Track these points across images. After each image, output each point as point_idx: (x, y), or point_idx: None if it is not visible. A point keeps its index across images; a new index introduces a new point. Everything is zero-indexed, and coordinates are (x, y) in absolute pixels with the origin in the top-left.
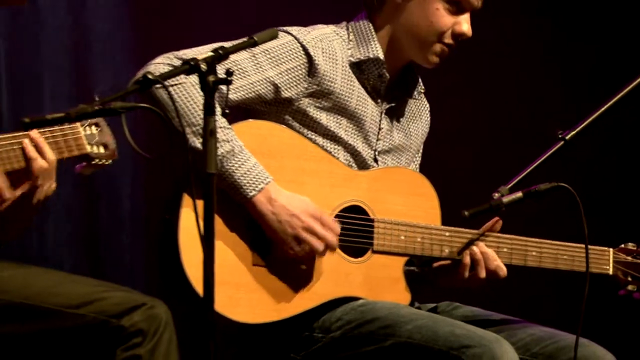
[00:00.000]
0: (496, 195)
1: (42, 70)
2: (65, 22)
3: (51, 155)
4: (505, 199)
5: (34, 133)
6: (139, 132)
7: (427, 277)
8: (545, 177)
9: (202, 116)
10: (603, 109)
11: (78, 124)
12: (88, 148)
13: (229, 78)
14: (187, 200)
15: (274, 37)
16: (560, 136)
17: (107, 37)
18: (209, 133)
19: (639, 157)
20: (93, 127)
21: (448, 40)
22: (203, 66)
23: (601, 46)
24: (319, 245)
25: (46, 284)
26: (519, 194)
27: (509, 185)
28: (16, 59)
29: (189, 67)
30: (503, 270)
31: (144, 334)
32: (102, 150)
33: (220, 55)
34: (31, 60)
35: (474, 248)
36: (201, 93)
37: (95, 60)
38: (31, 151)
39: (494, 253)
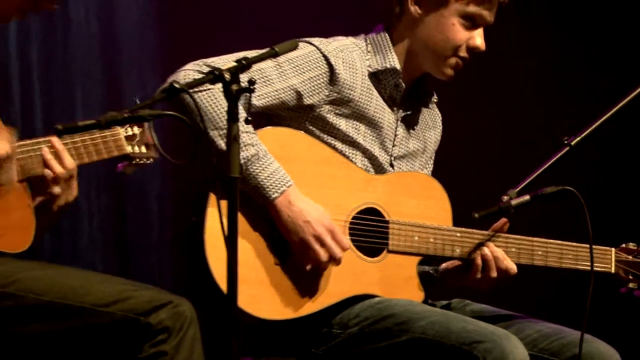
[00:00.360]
0: (505, 198)
1: (73, 79)
2: (95, 33)
3: (70, 162)
4: (514, 202)
5: (55, 139)
6: (167, 138)
7: (439, 278)
8: (551, 181)
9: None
10: (607, 115)
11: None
12: (128, 149)
13: (251, 87)
14: (212, 202)
15: (294, 48)
16: (565, 142)
17: (135, 46)
18: (232, 139)
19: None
20: (135, 128)
21: (463, 53)
22: (227, 76)
23: (611, 55)
24: (323, 256)
25: (77, 283)
26: (527, 197)
27: (517, 189)
28: (48, 69)
29: (213, 76)
30: (513, 269)
31: (169, 330)
32: (143, 150)
33: (244, 66)
34: (63, 70)
35: (485, 249)
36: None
37: (124, 68)
38: (49, 158)
39: (503, 253)
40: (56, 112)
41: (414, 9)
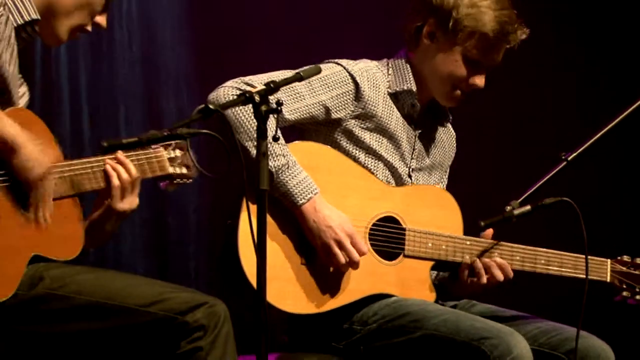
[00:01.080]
0: (508, 208)
1: (117, 100)
2: (137, 58)
3: (134, 171)
4: (516, 212)
5: (119, 153)
6: (203, 154)
7: (450, 289)
8: (555, 192)
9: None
10: (602, 132)
11: (161, 149)
12: (170, 169)
13: (279, 108)
14: (244, 208)
15: (318, 72)
16: (563, 157)
17: (173, 70)
18: (261, 154)
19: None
20: (177, 151)
21: (463, 89)
22: (257, 98)
23: (616, 64)
24: (342, 259)
25: (121, 285)
26: (528, 207)
27: (520, 200)
28: (95, 91)
29: (244, 98)
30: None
31: (205, 328)
32: (184, 170)
33: (271, 89)
34: (108, 91)
35: (486, 260)
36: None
37: (163, 90)
38: (116, 168)
39: (502, 261)
40: (102, 130)
41: (427, 42)
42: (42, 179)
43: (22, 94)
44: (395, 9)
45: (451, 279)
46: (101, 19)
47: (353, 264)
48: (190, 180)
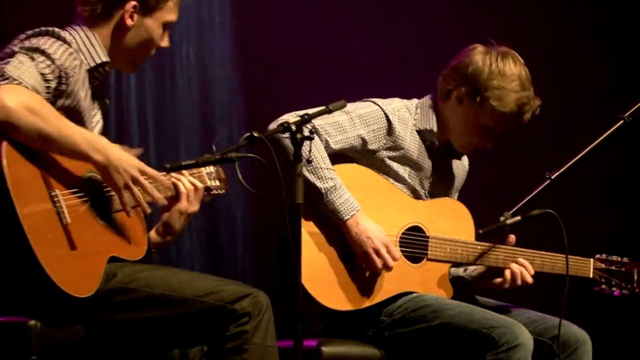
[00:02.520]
0: (502, 218)
1: (178, 130)
2: (195, 96)
3: (200, 184)
4: (509, 222)
5: (186, 172)
6: (248, 173)
7: (471, 282)
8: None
9: (313, 157)
10: (583, 152)
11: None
12: (208, 182)
13: (311, 136)
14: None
15: (343, 106)
16: (547, 176)
17: (225, 105)
18: (297, 174)
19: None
20: (211, 167)
21: (475, 145)
22: (293, 127)
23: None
24: (378, 264)
25: (181, 280)
26: (518, 218)
27: (511, 212)
28: (160, 120)
29: (283, 128)
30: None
31: (250, 315)
32: (217, 183)
33: (305, 120)
34: (170, 123)
35: (512, 264)
36: (316, 145)
37: (216, 122)
38: (180, 179)
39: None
40: (164, 152)
41: (455, 102)
42: (131, 181)
43: (95, 123)
44: (431, 58)
45: (476, 277)
46: (164, 42)
47: (388, 268)
48: (223, 191)
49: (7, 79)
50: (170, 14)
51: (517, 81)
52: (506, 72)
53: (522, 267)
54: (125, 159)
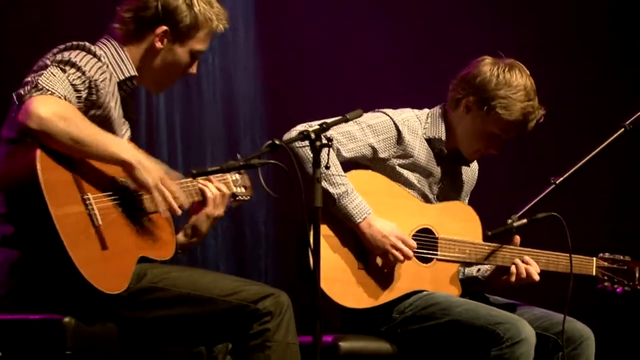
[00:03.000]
0: (509, 221)
1: (204, 138)
2: (219, 107)
3: (226, 189)
4: (515, 224)
5: (213, 179)
6: (271, 179)
7: (484, 281)
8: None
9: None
10: (584, 160)
11: (227, 174)
12: (234, 189)
13: (329, 143)
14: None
15: (360, 115)
16: (552, 181)
17: (248, 116)
18: (315, 179)
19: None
20: (237, 175)
21: (482, 152)
22: (312, 135)
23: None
24: (400, 256)
25: (207, 280)
26: (524, 220)
27: (518, 214)
28: (188, 130)
29: (303, 136)
30: (536, 274)
31: (272, 314)
32: (243, 189)
33: (324, 128)
34: (197, 131)
35: (517, 260)
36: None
37: (240, 132)
38: (207, 184)
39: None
40: (192, 161)
41: (463, 110)
42: (160, 182)
43: (124, 132)
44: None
45: (489, 276)
46: (191, 70)
47: (408, 258)
48: (248, 197)
49: (40, 89)
50: (200, 44)
51: (523, 91)
52: (512, 83)
53: (528, 264)
54: (152, 161)
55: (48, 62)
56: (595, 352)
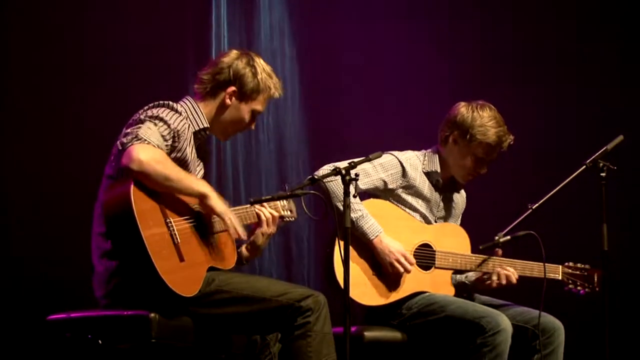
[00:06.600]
0: (496, 237)
1: (260, 173)
2: (272, 148)
3: (276, 213)
4: (501, 240)
5: (267, 205)
6: (312, 205)
7: (470, 286)
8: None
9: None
10: (554, 190)
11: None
12: (282, 212)
13: (356, 178)
14: (337, 241)
15: (380, 156)
16: (529, 207)
17: (294, 156)
18: (345, 206)
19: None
20: (284, 201)
21: (472, 174)
22: (343, 171)
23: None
24: (401, 269)
25: (262, 284)
26: (508, 237)
27: (503, 232)
28: (247, 168)
29: (336, 172)
30: (514, 278)
31: (312, 310)
32: (289, 213)
33: (352, 166)
34: (255, 168)
35: (498, 269)
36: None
37: (288, 167)
38: (262, 210)
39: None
40: (251, 192)
41: (452, 144)
42: (226, 212)
43: (199, 170)
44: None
45: (474, 281)
46: (251, 126)
47: (408, 271)
48: (293, 219)
49: (140, 139)
50: (258, 105)
51: (494, 120)
52: (484, 115)
53: (507, 271)
54: (219, 195)
55: (142, 117)
56: (565, 340)
